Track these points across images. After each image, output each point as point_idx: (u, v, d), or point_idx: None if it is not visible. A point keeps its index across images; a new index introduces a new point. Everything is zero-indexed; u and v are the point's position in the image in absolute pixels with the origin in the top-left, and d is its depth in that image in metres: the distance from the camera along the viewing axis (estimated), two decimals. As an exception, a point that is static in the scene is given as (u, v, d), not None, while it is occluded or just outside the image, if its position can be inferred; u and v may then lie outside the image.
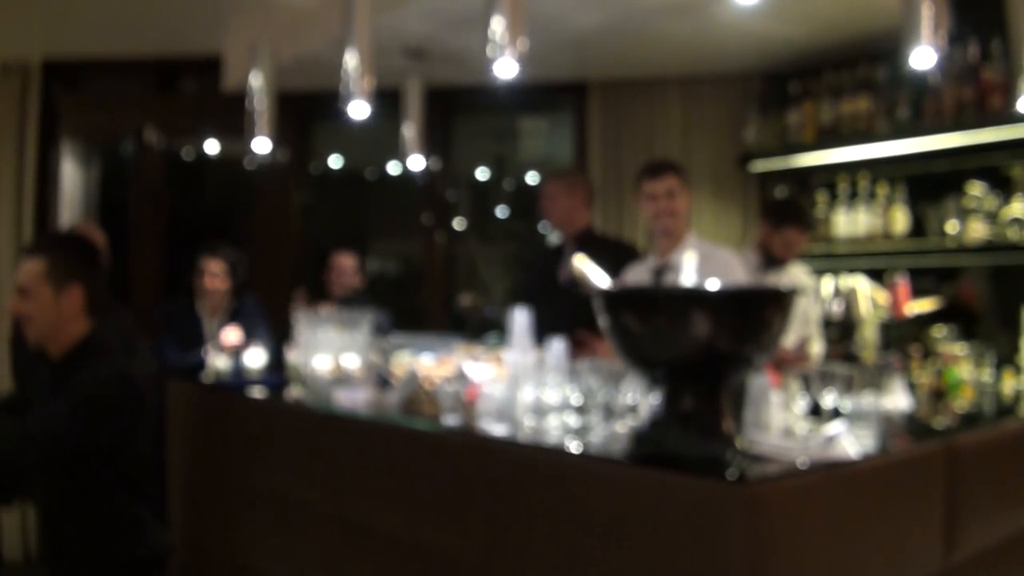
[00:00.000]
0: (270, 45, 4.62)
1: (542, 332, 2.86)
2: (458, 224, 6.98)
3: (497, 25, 3.20)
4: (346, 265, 5.58)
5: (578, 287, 3.00)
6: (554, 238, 5.99)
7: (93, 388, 2.65)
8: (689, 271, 2.46)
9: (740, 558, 1.92)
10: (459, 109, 6.49)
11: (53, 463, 2.64)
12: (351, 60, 3.97)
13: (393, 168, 7.33)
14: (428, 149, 5.17)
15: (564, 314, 3.22)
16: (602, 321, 2.19)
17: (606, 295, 2.18)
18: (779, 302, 2.11)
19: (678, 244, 3.78)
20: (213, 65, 5.98)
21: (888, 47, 4.24)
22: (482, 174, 7.68)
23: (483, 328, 6.07)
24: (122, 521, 2.76)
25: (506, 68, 3.22)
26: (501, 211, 7.74)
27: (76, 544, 2.71)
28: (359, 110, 4.04)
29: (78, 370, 2.69)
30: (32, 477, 2.78)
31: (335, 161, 7.43)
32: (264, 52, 4.57)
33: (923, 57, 3.27)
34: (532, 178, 7.69)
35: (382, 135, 5.15)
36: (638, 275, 3.88)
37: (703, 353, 2.05)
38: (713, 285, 2.06)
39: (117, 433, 2.71)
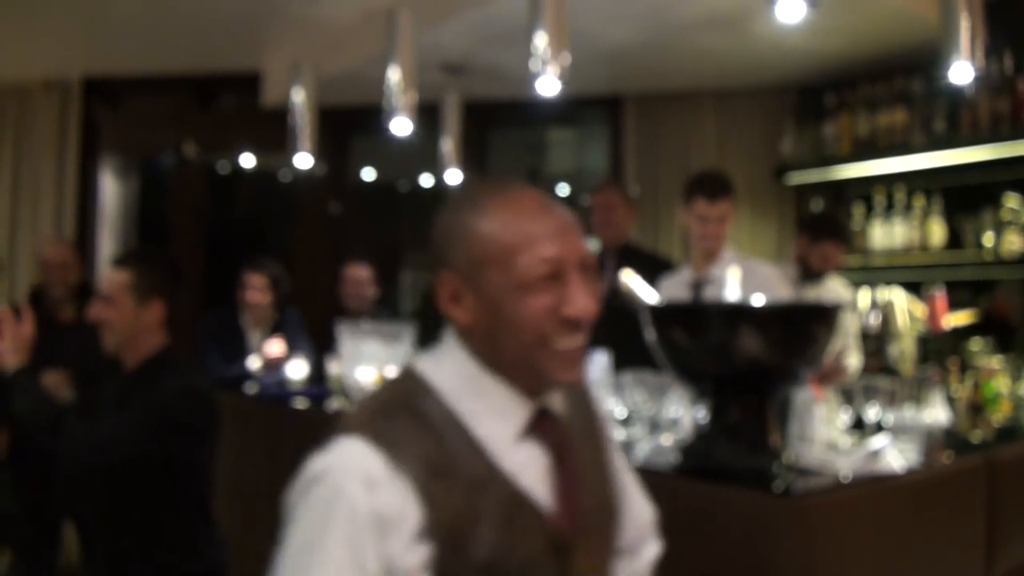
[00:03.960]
0: (311, 62, 4.69)
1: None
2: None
3: (540, 40, 3.24)
4: (360, 276, 5.45)
5: (617, 298, 3.02)
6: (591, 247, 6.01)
7: (166, 402, 2.70)
8: (733, 286, 2.49)
9: (786, 570, 1.94)
10: (493, 122, 6.52)
11: (120, 471, 2.69)
12: (394, 76, 4.03)
13: (425, 180, 7.38)
14: (464, 162, 5.21)
15: (604, 326, 3.24)
16: (649, 335, 2.22)
17: (654, 310, 2.21)
18: (825, 317, 2.13)
19: (715, 258, 3.74)
20: (250, 81, 6.07)
21: (924, 59, 4.25)
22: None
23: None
24: (182, 536, 2.80)
25: (548, 84, 3.26)
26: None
27: (135, 556, 2.75)
28: (401, 126, 4.10)
29: (150, 383, 2.75)
30: (94, 486, 2.82)
31: (368, 174, 7.48)
32: (306, 69, 4.63)
33: (961, 72, 3.29)
34: (563, 190, 7.72)
35: (416, 148, 5.19)
36: (673, 288, 3.84)
37: (750, 367, 2.08)
38: (759, 300, 2.08)
39: (185, 449, 2.76)
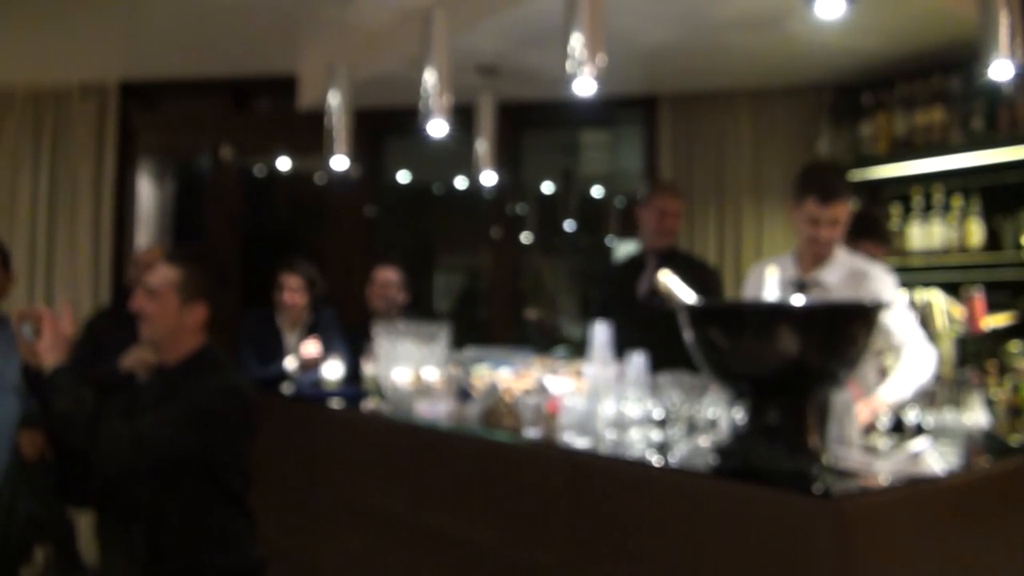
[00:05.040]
0: (346, 65, 4.71)
1: (621, 345, 2.89)
2: (525, 238, 7.02)
3: (576, 41, 3.24)
4: (388, 279, 5.38)
5: (657, 300, 3.00)
6: (624, 251, 5.99)
7: (205, 401, 2.73)
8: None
9: (825, 572, 1.93)
10: (527, 123, 6.52)
11: (160, 470, 2.72)
12: (430, 78, 4.04)
13: (460, 183, 7.40)
14: (498, 164, 5.21)
15: (643, 327, 3.22)
16: (687, 336, 2.21)
17: (692, 310, 2.20)
18: (864, 317, 2.12)
19: (825, 261, 3.48)
20: (286, 84, 6.11)
21: (962, 58, 4.22)
22: (548, 188, 7.72)
23: (551, 341, 6.09)
24: (222, 534, 2.82)
25: (585, 85, 3.25)
26: (568, 225, 7.77)
27: (176, 553, 2.78)
28: (438, 128, 4.11)
29: (190, 382, 2.77)
30: (138, 485, 2.84)
31: (403, 176, 7.51)
32: (342, 72, 4.66)
33: (1001, 69, 3.26)
34: (597, 191, 7.71)
35: (450, 150, 5.20)
36: (769, 286, 3.60)
37: (789, 368, 2.07)
38: (798, 300, 2.08)
39: (225, 447, 2.78)
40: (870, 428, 2.90)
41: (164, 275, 2.86)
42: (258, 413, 2.93)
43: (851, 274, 3.44)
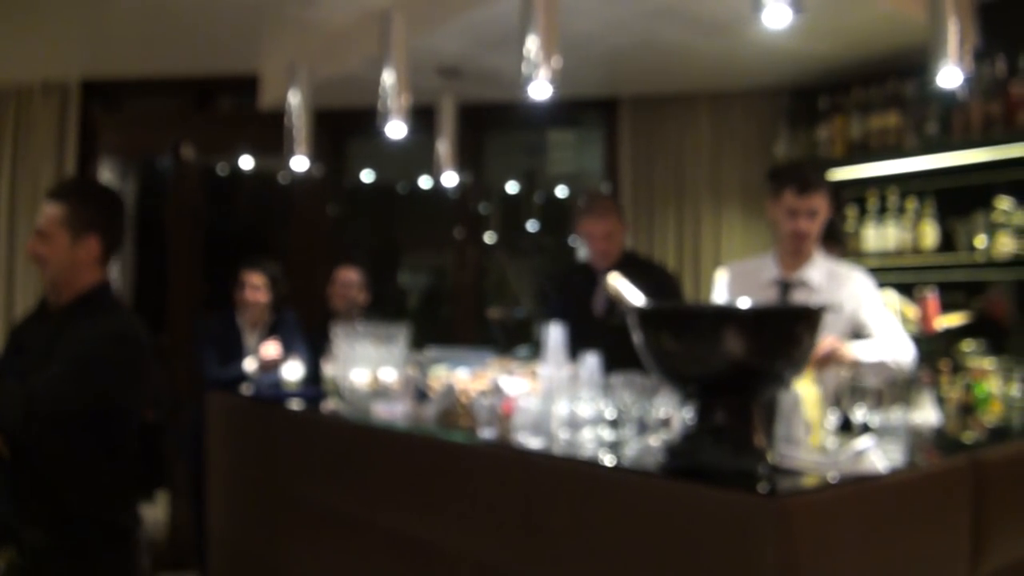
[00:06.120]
0: (307, 65, 4.72)
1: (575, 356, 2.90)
2: (489, 238, 7.04)
3: (532, 44, 3.27)
4: (349, 279, 5.43)
5: (614, 316, 3.00)
6: (582, 254, 6.03)
7: (91, 350, 2.65)
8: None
9: (770, 570, 1.96)
10: (490, 124, 6.55)
11: (56, 425, 2.62)
12: (388, 79, 4.06)
13: (424, 182, 7.42)
14: (460, 164, 5.23)
15: (603, 344, 3.17)
16: (636, 338, 2.24)
17: (641, 313, 2.23)
18: (809, 319, 2.16)
19: (807, 260, 3.56)
20: (248, 83, 6.10)
21: (917, 63, 4.27)
22: (512, 188, 7.74)
23: (514, 341, 6.11)
24: (98, 485, 2.73)
25: (540, 89, 3.29)
26: (531, 225, 7.80)
27: (46, 497, 2.68)
28: (396, 129, 4.13)
29: (81, 322, 2.69)
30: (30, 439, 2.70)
31: (367, 175, 7.51)
32: (302, 72, 4.67)
33: (949, 75, 3.32)
34: (562, 191, 7.74)
35: (414, 150, 5.21)
36: (751, 287, 3.62)
37: (735, 369, 2.10)
38: (744, 303, 2.11)
39: (116, 394, 2.70)
40: (824, 361, 3.02)
41: (49, 213, 2.76)
42: (150, 355, 2.82)
43: (831, 275, 3.53)
